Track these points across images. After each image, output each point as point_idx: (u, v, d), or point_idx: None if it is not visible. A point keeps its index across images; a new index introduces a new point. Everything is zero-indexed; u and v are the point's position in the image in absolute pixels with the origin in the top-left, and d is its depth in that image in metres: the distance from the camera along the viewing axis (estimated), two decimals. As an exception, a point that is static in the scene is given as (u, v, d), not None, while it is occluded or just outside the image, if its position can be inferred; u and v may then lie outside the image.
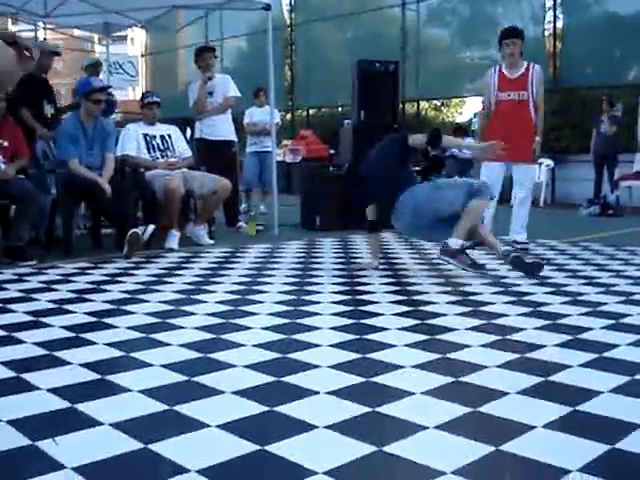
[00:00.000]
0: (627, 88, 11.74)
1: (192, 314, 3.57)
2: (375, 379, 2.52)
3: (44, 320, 3.43)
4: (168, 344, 3.00)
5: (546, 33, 12.79)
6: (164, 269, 5.01)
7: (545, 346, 2.97)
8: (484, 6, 13.72)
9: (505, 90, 6.15)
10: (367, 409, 2.23)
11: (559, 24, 12.75)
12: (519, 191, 6.29)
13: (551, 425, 2.10)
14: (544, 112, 6.29)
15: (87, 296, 4.02)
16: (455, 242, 4.59)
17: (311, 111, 17.74)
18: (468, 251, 4.73)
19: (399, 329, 3.26)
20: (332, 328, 3.27)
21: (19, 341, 3.06)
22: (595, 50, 11.75)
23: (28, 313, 3.58)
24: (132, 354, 2.84)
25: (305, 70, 16.90)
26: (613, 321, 3.42)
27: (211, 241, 6.42)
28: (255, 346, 2.96)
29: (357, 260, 5.42)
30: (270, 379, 2.52)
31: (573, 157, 11.86)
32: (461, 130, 13.49)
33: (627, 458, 1.89)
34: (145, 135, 6.54)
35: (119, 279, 4.60)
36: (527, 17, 13.02)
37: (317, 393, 2.37)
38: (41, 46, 7.13)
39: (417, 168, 6.09)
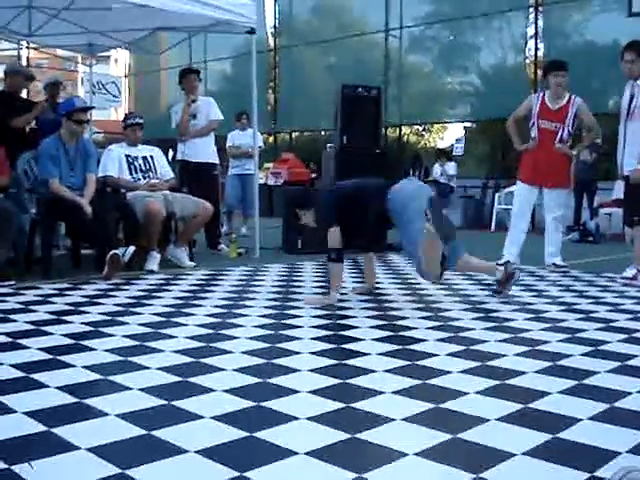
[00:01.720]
0: (607, 116, 11.88)
1: (171, 337, 3.54)
2: (355, 405, 2.51)
3: (21, 342, 3.39)
4: (147, 367, 2.98)
5: (527, 61, 12.95)
6: (144, 291, 4.98)
7: (525, 372, 2.97)
8: (466, 34, 13.88)
9: (544, 119, 6.57)
10: (347, 435, 2.21)
11: (540, 52, 12.93)
12: (549, 215, 6.72)
13: (531, 452, 2.10)
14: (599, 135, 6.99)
15: (65, 318, 3.98)
16: None
17: (294, 135, 17.81)
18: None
19: (379, 354, 3.25)
20: (312, 353, 3.26)
21: (-5, 363, 3.02)
22: (575, 78, 11.86)
23: (5, 334, 3.54)
24: (110, 377, 2.81)
25: (288, 94, 16.98)
26: (592, 348, 3.43)
27: (192, 263, 6.39)
28: (235, 370, 2.94)
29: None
30: (250, 404, 2.50)
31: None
32: (444, 154, 13.57)
33: (607, 486, 1.89)
34: (127, 156, 6.52)
35: (98, 301, 4.56)
36: (507, 45, 13.20)
37: (297, 419, 2.36)
38: (10, 69, 7.13)
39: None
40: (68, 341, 3.43)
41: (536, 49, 12.92)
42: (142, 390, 2.65)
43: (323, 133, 16.79)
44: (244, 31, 7.33)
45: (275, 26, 17.45)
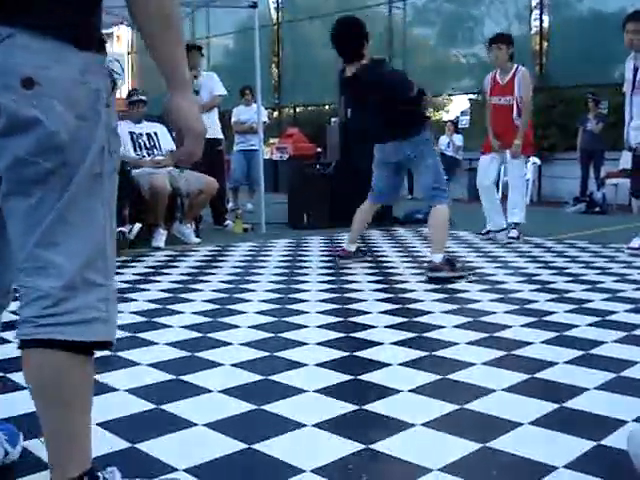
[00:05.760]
0: (612, 86, 11.79)
1: (179, 313, 3.56)
2: (362, 377, 2.52)
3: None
4: (155, 343, 2.99)
5: (532, 32, 12.81)
6: (151, 268, 5.00)
7: (532, 343, 2.98)
8: (469, 5, 13.73)
9: (496, 95, 6.50)
10: (355, 407, 2.23)
11: (545, 23, 12.79)
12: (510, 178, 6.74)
13: (538, 422, 2.11)
14: (530, 114, 6.54)
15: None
16: (437, 257, 4.55)
17: (298, 109, 17.73)
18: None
19: (386, 327, 3.26)
20: (319, 326, 3.27)
21: (5, 340, 3.03)
22: (581, 49, 11.78)
23: (13, 313, 3.55)
24: (119, 353, 2.82)
25: (292, 68, 16.87)
26: (599, 318, 3.44)
27: (198, 239, 6.40)
28: (242, 344, 2.96)
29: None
30: (258, 377, 2.52)
31: (559, 155, 11.91)
32: (453, 125, 13.49)
33: (613, 454, 1.91)
34: (131, 133, 6.51)
35: (105, 278, 4.57)
36: (512, 16, 13.05)
37: (305, 391, 2.37)
38: None
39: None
40: (76, 318, 3.44)
41: (541, 19, 12.77)
42: (150, 365, 2.67)
43: (327, 107, 16.69)
44: (246, 5, 7.29)
45: (278, 0, 17.31)
